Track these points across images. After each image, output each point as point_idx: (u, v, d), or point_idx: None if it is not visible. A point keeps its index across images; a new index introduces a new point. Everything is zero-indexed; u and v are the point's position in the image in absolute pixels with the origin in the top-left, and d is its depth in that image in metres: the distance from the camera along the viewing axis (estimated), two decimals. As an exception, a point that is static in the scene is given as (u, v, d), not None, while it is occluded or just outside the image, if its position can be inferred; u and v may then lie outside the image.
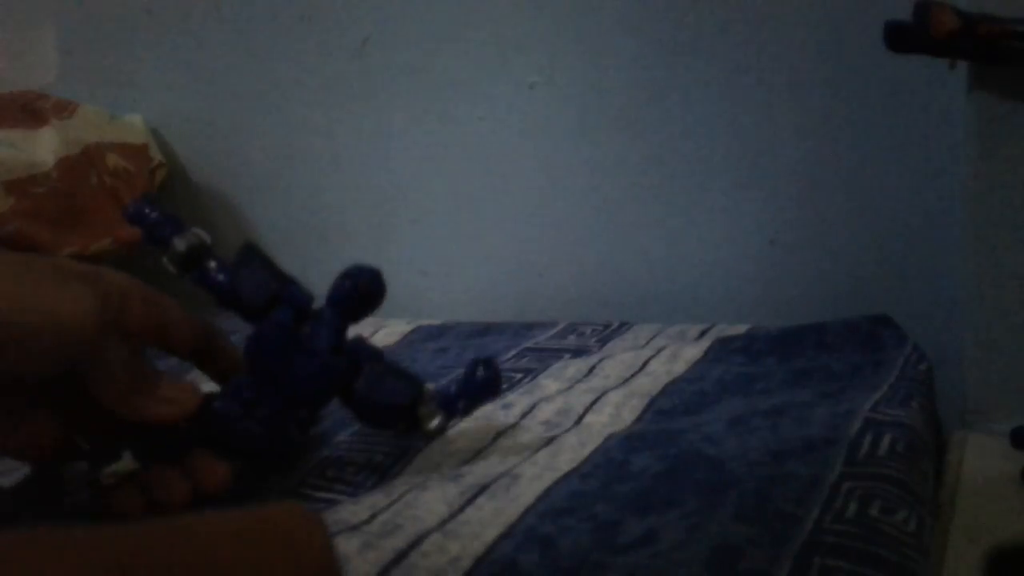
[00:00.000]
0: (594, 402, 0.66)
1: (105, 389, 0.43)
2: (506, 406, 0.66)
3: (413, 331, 0.94)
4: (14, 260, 0.40)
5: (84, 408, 0.46)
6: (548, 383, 0.72)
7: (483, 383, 0.56)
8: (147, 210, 0.53)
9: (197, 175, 1.28)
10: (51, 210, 1.06)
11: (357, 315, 0.56)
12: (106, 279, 0.44)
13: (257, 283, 0.53)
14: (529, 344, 0.86)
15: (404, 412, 0.54)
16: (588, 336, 0.89)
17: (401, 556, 0.44)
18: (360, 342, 0.56)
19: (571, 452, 0.56)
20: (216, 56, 1.24)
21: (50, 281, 0.40)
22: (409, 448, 0.59)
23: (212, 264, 0.54)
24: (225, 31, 1.23)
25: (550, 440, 0.60)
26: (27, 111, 1.16)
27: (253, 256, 0.55)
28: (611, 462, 0.54)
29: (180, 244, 0.53)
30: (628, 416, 0.64)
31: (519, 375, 0.75)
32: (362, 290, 0.56)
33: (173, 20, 1.25)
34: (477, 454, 0.58)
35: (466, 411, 0.57)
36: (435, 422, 0.54)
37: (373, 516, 0.48)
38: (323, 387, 0.53)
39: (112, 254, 1.14)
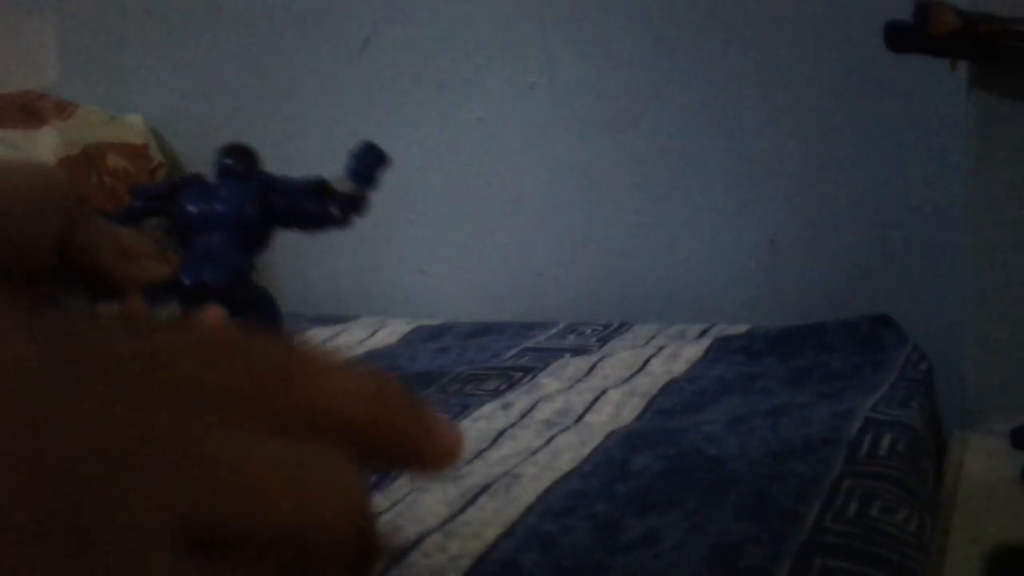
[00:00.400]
0: (594, 401, 0.66)
1: (95, 255, 0.47)
2: (506, 405, 0.66)
3: (413, 331, 0.94)
4: None
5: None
6: (548, 382, 0.72)
7: (368, 154, 0.70)
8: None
9: (197, 175, 1.28)
10: (51, 210, 1.06)
11: (245, 173, 0.68)
12: None
13: (159, 183, 0.65)
14: (529, 344, 0.86)
15: (322, 196, 0.67)
16: (588, 336, 0.89)
17: (402, 555, 0.44)
18: (261, 174, 0.68)
19: (571, 452, 0.56)
20: (216, 56, 1.24)
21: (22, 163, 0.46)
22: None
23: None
24: (225, 31, 1.23)
25: (550, 439, 0.60)
26: (27, 111, 1.16)
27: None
28: (611, 461, 0.54)
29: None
30: (628, 415, 0.64)
31: (519, 374, 0.75)
32: (234, 154, 0.70)
33: (173, 20, 1.25)
34: (478, 455, 0.58)
35: (372, 180, 0.70)
36: (350, 188, 0.68)
37: (374, 516, 0.48)
38: (249, 207, 0.64)
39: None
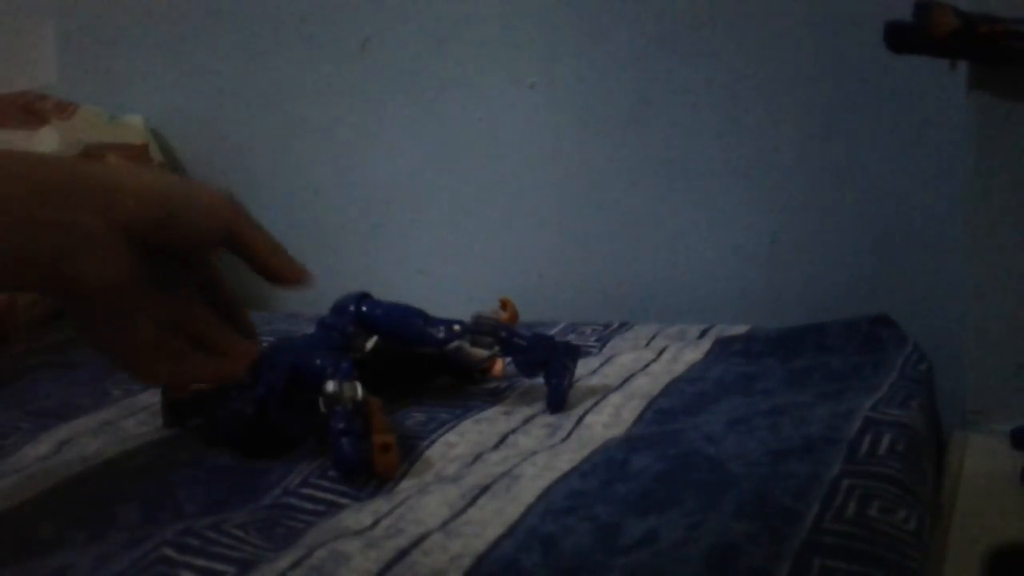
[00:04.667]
0: (595, 403, 0.66)
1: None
2: (507, 408, 0.66)
3: (413, 331, 0.94)
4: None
5: None
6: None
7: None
8: None
9: (197, 175, 1.28)
10: (51, 210, 1.06)
11: None
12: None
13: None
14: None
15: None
16: (588, 336, 0.89)
17: (403, 554, 0.44)
18: None
19: (571, 452, 0.56)
20: (216, 56, 1.24)
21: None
22: (412, 450, 0.59)
23: None
24: (225, 31, 1.23)
25: (550, 439, 0.60)
26: (27, 111, 1.16)
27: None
28: (611, 462, 0.54)
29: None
30: (628, 417, 0.64)
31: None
32: None
33: (173, 20, 1.25)
34: (479, 456, 0.58)
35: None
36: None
37: (376, 522, 0.48)
38: None
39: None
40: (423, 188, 1.16)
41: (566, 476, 0.52)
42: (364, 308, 0.66)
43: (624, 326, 0.92)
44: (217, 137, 1.27)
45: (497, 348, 0.65)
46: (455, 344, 0.64)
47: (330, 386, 0.54)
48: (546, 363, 0.65)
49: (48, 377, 0.83)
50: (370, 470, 0.53)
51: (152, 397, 0.76)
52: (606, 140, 1.06)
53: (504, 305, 0.79)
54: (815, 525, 0.44)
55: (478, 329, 0.64)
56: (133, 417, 0.71)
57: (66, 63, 1.33)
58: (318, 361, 0.57)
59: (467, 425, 0.63)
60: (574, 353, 0.67)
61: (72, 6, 1.32)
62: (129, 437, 0.65)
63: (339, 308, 0.67)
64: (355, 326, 0.65)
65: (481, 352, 0.65)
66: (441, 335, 0.65)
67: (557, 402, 0.65)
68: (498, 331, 0.65)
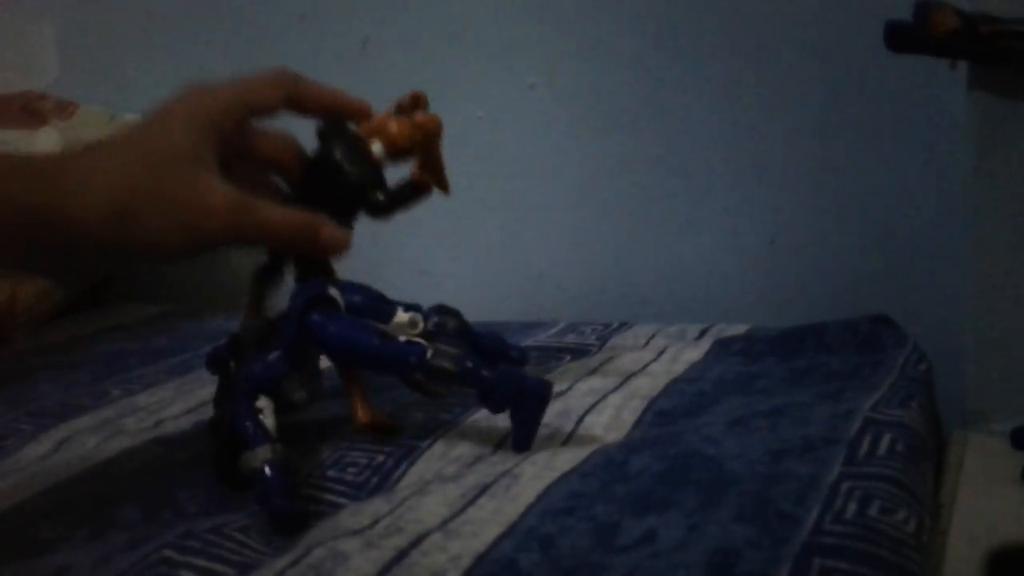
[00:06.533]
0: (594, 404, 0.66)
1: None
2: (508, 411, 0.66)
3: (413, 331, 0.94)
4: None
5: None
6: (548, 383, 0.72)
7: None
8: None
9: (197, 175, 1.28)
10: (51, 210, 1.06)
11: None
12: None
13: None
14: (529, 343, 0.86)
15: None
16: (588, 336, 0.89)
17: (402, 555, 0.44)
18: None
19: (571, 453, 0.56)
20: (216, 56, 1.24)
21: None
22: (412, 450, 0.59)
23: None
24: (225, 31, 1.23)
25: (550, 442, 0.60)
26: (27, 111, 1.16)
27: None
28: (611, 462, 0.54)
29: None
30: (628, 417, 0.64)
31: (519, 375, 0.75)
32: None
33: (173, 20, 1.25)
34: (478, 456, 0.58)
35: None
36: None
37: (375, 521, 0.48)
38: None
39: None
40: (423, 188, 1.16)
41: (566, 476, 0.52)
42: (315, 317, 0.56)
43: (624, 326, 0.92)
44: (217, 137, 1.27)
45: (456, 386, 0.57)
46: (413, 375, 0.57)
47: (243, 455, 0.51)
48: (515, 401, 0.56)
49: (48, 377, 0.84)
50: (305, 519, 0.50)
51: (151, 397, 0.76)
52: (606, 140, 1.06)
53: (416, 100, 0.64)
54: (815, 526, 0.44)
55: (433, 375, 0.55)
56: (133, 416, 0.71)
57: (66, 63, 1.33)
58: (247, 423, 0.53)
59: (467, 426, 0.63)
60: (546, 392, 0.57)
61: (72, 6, 1.32)
62: (129, 437, 0.65)
63: (289, 311, 0.58)
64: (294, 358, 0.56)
65: (437, 390, 0.58)
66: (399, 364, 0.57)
67: (523, 442, 0.57)
68: (456, 376, 0.56)
